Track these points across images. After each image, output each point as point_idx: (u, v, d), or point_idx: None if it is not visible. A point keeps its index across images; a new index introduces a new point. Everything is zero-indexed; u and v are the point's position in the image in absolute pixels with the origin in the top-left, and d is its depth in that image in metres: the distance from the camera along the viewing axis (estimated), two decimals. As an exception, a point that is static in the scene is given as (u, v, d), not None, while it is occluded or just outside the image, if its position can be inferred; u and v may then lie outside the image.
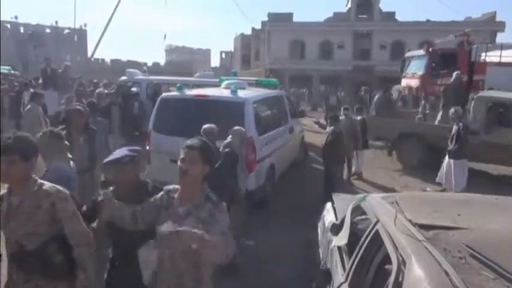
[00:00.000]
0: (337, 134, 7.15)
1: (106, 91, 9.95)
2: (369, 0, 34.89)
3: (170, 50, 75.99)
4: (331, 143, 7.10)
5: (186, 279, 2.18)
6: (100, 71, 33.75)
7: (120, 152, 2.66)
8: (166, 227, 2.09)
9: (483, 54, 13.43)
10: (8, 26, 50.54)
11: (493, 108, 8.48)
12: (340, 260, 3.05)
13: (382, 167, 9.83)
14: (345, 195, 4.88)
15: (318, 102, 26.98)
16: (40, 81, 12.77)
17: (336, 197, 4.62)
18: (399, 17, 36.10)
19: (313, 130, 12.41)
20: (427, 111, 11.35)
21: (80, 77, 14.51)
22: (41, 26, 55.52)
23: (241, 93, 6.49)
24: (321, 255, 3.89)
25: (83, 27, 58.92)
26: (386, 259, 2.23)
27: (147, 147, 6.45)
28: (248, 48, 44.15)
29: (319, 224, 4.57)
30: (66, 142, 3.43)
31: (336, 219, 3.87)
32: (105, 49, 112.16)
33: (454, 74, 10.91)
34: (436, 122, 10.13)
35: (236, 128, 5.18)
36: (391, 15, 35.91)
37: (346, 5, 36.42)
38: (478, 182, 7.31)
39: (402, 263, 1.98)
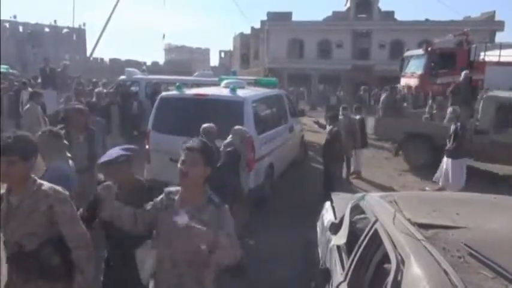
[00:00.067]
0: (336, 133, 7.17)
1: (105, 90, 9.93)
2: (368, -1, 34.91)
3: (169, 50, 75.95)
4: (331, 142, 7.12)
5: (186, 280, 2.17)
6: (99, 70, 33.69)
7: (114, 152, 2.64)
8: (181, 220, 2.03)
9: (482, 53, 13.45)
10: (7, 25, 50.46)
11: (502, 108, 8.37)
12: (339, 259, 3.06)
13: (381, 166, 9.85)
14: (344, 194, 4.88)
15: (317, 101, 26.99)
16: (39, 80, 12.76)
17: (335, 196, 4.63)
18: (398, 16, 36.16)
19: (313, 129, 12.41)
20: (434, 111, 11.24)
21: (78, 76, 14.49)
22: (40, 25, 55.45)
23: (241, 93, 6.50)
24: (320, 255, 3.89)
25: (82, 27, 58.88)
26: (385, 258, 2.23)
27: (147, 147, 6.45)
28: (247, 48, 44.13)
29: (318, 223, 4.57)
30: (65, 141, 3.43)
31: (335, 218, 3.88)
32: (104, 48, 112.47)
33: (463, 74, 10.81)
34: (445, 122, 10.04)
35: (236, 127, 5.19)
36: (390, 15, 35.91)
37: (345, 4, 36.40)
38: (478, 182, 7.32)
39: (401, 262, 1.99)
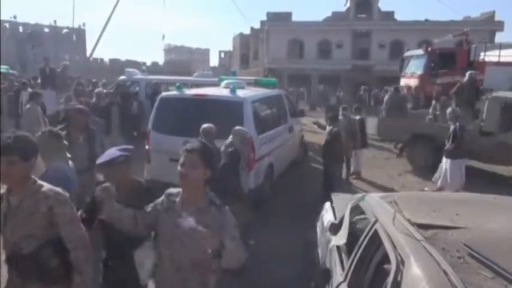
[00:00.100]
0: (336, 134, 7.17)
1: (105, 91, 9.94)
2: (368, -1, 34.92)
3: (169, 50, 75.99)
4: (330, 143, 7.13)
5: (191, 284, 2.16)
6: (99, 71, 33.67)
7: (112, 153, 2.63)
8: (187, 223, 2.04)
9: (482, 53, 13.46)
10: (7, 25, 50.46)
11: (508, 109, 8.27)
12: (339, 260, 3.06)
13: (381, 166, 9.85)
14: (343, 194, 4.88)
15: (317, 101, 26.98)
16: (38, 80, 12.76)
17: (335, 196, 4.63)
18: (398, 17, 36.19)
19: (313, 130, 12.40)
20: (438, 112, 11.14)
21: (78, 76, 14.50)
22: (40, 25, 55.46)
23: (240, 93, 6.50)
24: (319, 255, 3.89)
25: (82, 27, 58.88)
26: (385, 259, 2.23)
27: (147, 147, 6.46)
28: (247, 48, 44.13)
29: (318, 224, 4.57)
30: (65, 142, 3.43)
31: (335, 218, 3.88)
32: (104, 49, 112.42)
33: (467, 74, 10.68)
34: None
35: (237, 128, 5.19)
36: (390, 15, 35.93)
37: (345, 5, 36.42)
38: (478, 182, 7.32)
39: (401, 262, 1.99)
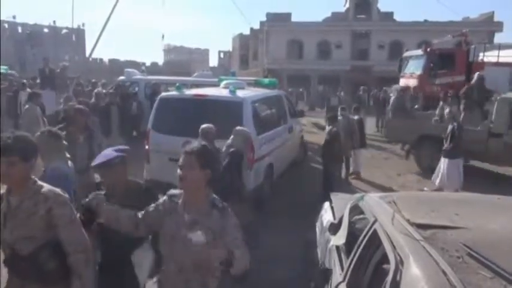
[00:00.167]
0: (336, 134, 7.19)
1: (104, 91, 9.94)
2: (367, 0, 34.93)
3: (168, 50, 75.92)
4: (330, 143, 7.14)
5: (193, 285, 2.17)
6: (98, 71, 33.69)
7: (108, 154, 2.60)
8: (196, 238, 2.04)
9: (481, 54, 13.48)
10: (6, 25, 50.41)
11: None
12: (338, 260, 3.06)
13: (380, 166, 9.85)
14: (343, 194, 4.89)
15: (316, 102, 27.00)
16: (38, 81, 12.75)
17: (334, 196, 4.63)
18: (397, 17, 36.24)
19: (312, 130, 12.44)
20: (446, 113, 10.97)
21: (78, 76, 14.49)
22: (39, 25, 55.41)
23: (240, 93, 6.51)
24: (319, 255, 3.89)
25: (81, 27, 58.84)
26: (384, 258, 2.23)
27: (146, 147, 6.46)
28: (246, 48, 44.16)
29: (317, 224, 4.57)
30: (65, 142, 3.43)
31: (334, 218, 3.88)
32: (103, 49, 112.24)
33: (476, 75, 10.56)
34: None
35: (238, 128, 5.19)
36: (389, 15, 35.97)
37: (344, 5, 36.46)
38: (478, 182, 7.33)
39: (400, 262, 1.99)
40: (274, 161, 6.96)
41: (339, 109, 8.87)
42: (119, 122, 8.22)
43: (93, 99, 8.65)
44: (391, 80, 19.18)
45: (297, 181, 8.20)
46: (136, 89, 12.03)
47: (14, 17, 52.64)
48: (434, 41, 15.22)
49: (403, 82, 15.41)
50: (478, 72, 10.69)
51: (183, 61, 61.51)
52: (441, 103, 11.19)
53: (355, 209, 3.34)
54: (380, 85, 22.52)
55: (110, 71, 36.96)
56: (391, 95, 16.65)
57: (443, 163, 7.32)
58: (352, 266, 2.67)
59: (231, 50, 53.81)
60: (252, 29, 41.23)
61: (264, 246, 4.89)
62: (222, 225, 2.10)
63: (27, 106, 7.95)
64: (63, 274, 2.19)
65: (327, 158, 7.21)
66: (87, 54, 33.84)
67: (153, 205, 2.31)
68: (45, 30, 56.04)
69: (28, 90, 9.64)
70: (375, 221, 2.62)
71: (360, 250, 2.68)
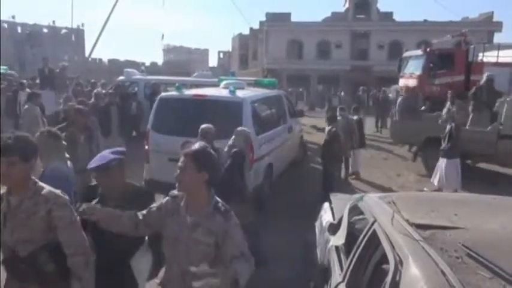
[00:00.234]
0: (335, 134, 7.19)
1: (104, 91, 9.93)
2: (367, 0, 34.95)
3: (168, 50, 75.91)
4: (329, 143, 7.15)
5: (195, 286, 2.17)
6: (97, 71, 33.68)
7: (104, 156, 2.53)
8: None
9: (480, 54, 13.47)
10: (6, 25, 50.37)
11: None
12: (337, 260, 3.06)
13: (380, 166, 9.86)
14: (342, 195, 4.89)
15: (316, 101, 27.03)
16: (37, 81, 12.75)
17: (334, 196, 4.63)
18: (397, 17, 36.29)
19: (311, 131, 12.44)
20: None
21: (77, 76, 14.48)
22: (38, 25, 55.41)
23: (240, 93, 6.51)
24: (318, 255, 3.90)
25: (81, 27, 58.82)
26: (384, 259, 2.24)
27: (146, 147, 6.46)
28: (246, 48, 44.16)
29: (317, 224, 4.58)
30: (64, 142, 3.43)
31: (334, 219, 3.89)
32: (103, 49, 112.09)
33: (485, 76, 10.36)
34: (467, 126, 9.15)
35: (239, 128, 5.19)
36: (388, 15, 36.01)
37: (344, 5, 36.47)
38: (478, 182, 7.34)
39: (399, 262, 1.99)
40: (274, 161, 6.96)
41: (338, 109, 8.88)
42: (119, 122, 8.20)
43: (92, 100, 8.65)
44: (391, 80, 19.20)
45: (297, 181, 8.20)
46: (136, 89, 12.02)
47: (13, 17, 52.76)
48: (434, 41, 15.20)
49: (402, 82, 15.40)
50: (487, 73, 10.45)
51: (182, 61, 61.54)
52: (448, 104, 11.13)
53: (355, 210, 3.34)
54: (380, 85, 22.56)
55: (109, 71, 36.95)
56: (390, 95, 16.69)
57: (441, 163, 7.34)
58: (351, 266, 2.67)
59: (230, 50, 53.83)
60: (251, 29, 41.27)
61: (263, 246, 4.90)
62: (225, 229, 2.09)
63: (26, 106, 7.94)
64: (63, 276, 2.18)
65: (327, 158, 7.22)
66: (87, 54, 33.83)
67: (155, 205, 2.30)
68: (45, 30, 56.03)
69: (27, 90, 9.63)
70: (374, 221, 2.62)
71: (359, 250, 2.68)
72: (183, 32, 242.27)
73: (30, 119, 7.61)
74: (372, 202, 2.98)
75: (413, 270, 1.85)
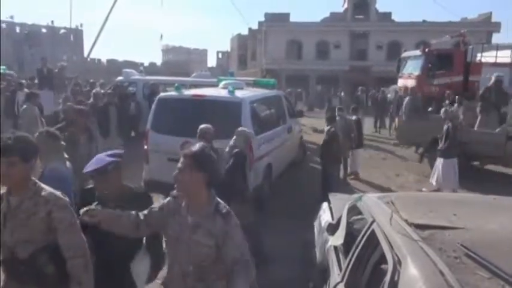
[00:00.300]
0: (334, 134, 7.20)
1: (102, 91, 9.93)
2: (366, 0, 34.98)
3: (167, 50, 75.82)
4: (328, 143, 7.15)
5: (198, 286, 2.17)
6: (96, 71, 33.64)
7: (101, 159, 2.50)
8: None
9: (479, 54, 13.51)
10: (4, 25, 50.25)
11: None
12: (336, 260, 3.07)
13: (378, 166, 9.87)
14: (341, 195, 4.89)
15: (315, 102, 27.03)
16: (36, 81, 12.73)
17: (332, 196, 4.63)
18: (395, 18, 36.32)
19: (310, 131, 12.44)
20: (461, 116, 10.69)
21: (76, 76, 14.48)
22: (37, 25, 55.24)
23: (239, 93, 6.51)
24: (317, 255, 3.90)
25: (79, 27, 58.71)
26: (382, 259, 2.24)
27: (145, 147, 6.46)
28: (245, 49, 44.13)
29: (316, 224, 4.58)
30: (63, 142, 3.42)
31: (332, 219, 3.89)
32: (102, 49, 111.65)
33: (494, 77, 10.13)
34: (475, 128, 9.07)
35: (240, 129, 5.19)
36: (387, 16, 36.03)
37: (343, 5, 36.50)
38: (479, 182, 7.35)
39: (398, 262, 2.00)
40: (273, 161, 6.96)
41: (336, 109, 8.89)
42: (117, 122, 8.20)
43: (91, 100, 8.64)
44: (390, 80, 19.22)
45: (296, 181, 8.21)
46: (135, 89, 12.01)
47: (12, 17, 52.55)
48: (433, 41, 15.24)
49: (401, 82, 15.43)
50: (496, 74, 10.34)
51: (181, 61, 61.45)
52: (455, 105, 11.06)
53: (353, 210, 3.34)
54: (378, 85, 22.56)
55: (108, 71, 36.87)
56: (388, 95, 16.70)
57: (438, 163, 7.35)
58: (350, 267, 2.67)
59: (229, 50, 53.78)
60: (250, 29, 41.24)
61: (263, 247, 4.90)
62: (225, 230, 2.10)
63: (25, 106, 7.93)
64: (62, 278, 2.16)
65: (326, 158, 7.22)
66: (85, 54, 33.87)
67: (157, 205, 2.30)
68: (43, 30, 55.88)
69: (26, 90, 9.61)
70: (373, 221, 2.63)
71: (358, 250, 2.69)
72: (181, 32, 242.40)
73: (29, 119, 7.59)
74: (371, 202, 2.98)
75: (411, 270, 1.86)
